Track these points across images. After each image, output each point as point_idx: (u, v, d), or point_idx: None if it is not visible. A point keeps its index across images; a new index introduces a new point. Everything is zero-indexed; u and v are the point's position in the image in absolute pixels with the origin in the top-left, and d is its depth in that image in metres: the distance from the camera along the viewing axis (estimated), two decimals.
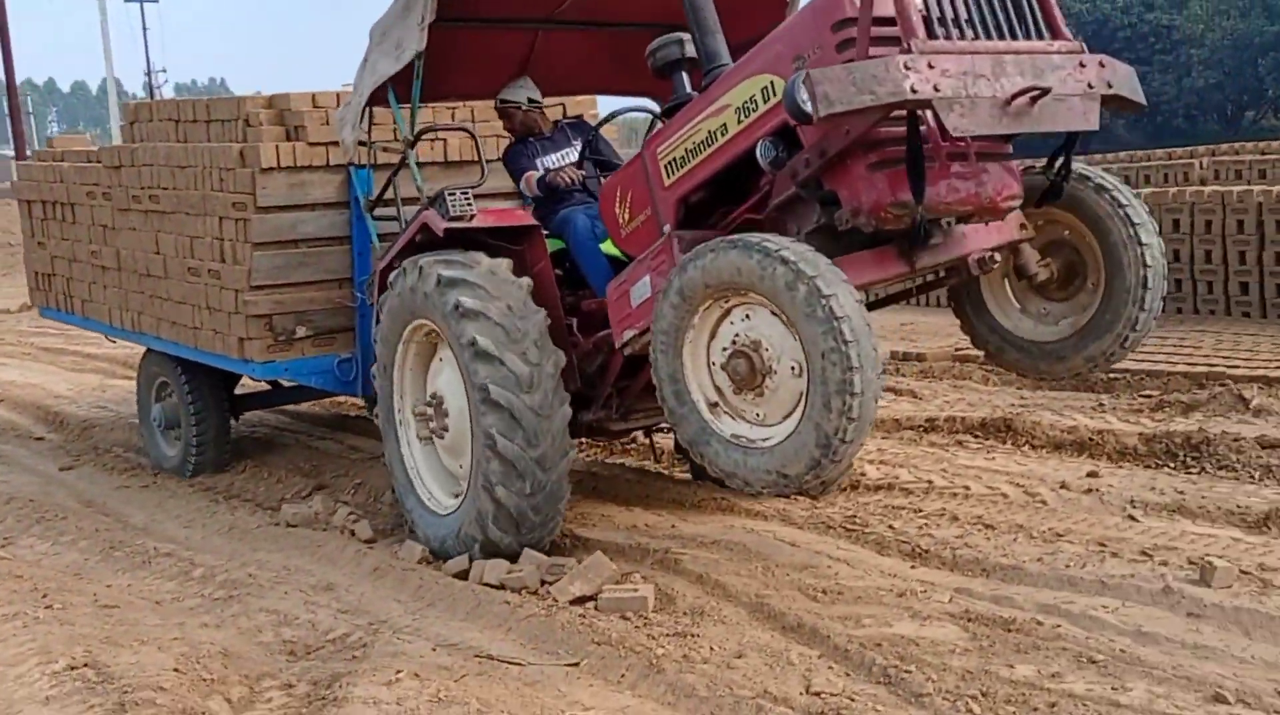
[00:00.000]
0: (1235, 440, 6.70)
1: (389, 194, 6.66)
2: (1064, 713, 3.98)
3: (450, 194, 5.91)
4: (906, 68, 4.12)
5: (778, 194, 4.86)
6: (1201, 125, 56.37)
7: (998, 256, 4.96)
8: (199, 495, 7.72)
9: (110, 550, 6.54)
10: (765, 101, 4.72)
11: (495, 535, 5.67)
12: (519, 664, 4.73)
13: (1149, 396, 8.06)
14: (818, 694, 4.25)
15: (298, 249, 7.08)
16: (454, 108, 7.51)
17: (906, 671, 4.35)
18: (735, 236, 4.49)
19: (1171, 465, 6.67)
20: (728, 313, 4.53)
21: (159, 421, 8.33)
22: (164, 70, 79.66)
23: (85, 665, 4.76)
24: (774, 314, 4.31)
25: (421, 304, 5.84)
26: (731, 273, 4.36)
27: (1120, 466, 6.78)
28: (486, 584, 5.55)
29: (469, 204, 5.89)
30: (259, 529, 6.84)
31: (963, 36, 4.40)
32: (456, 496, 5.99)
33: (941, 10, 4.38)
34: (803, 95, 4.18)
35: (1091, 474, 6.60)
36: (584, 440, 7.54)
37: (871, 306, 5.58)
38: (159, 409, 8.32)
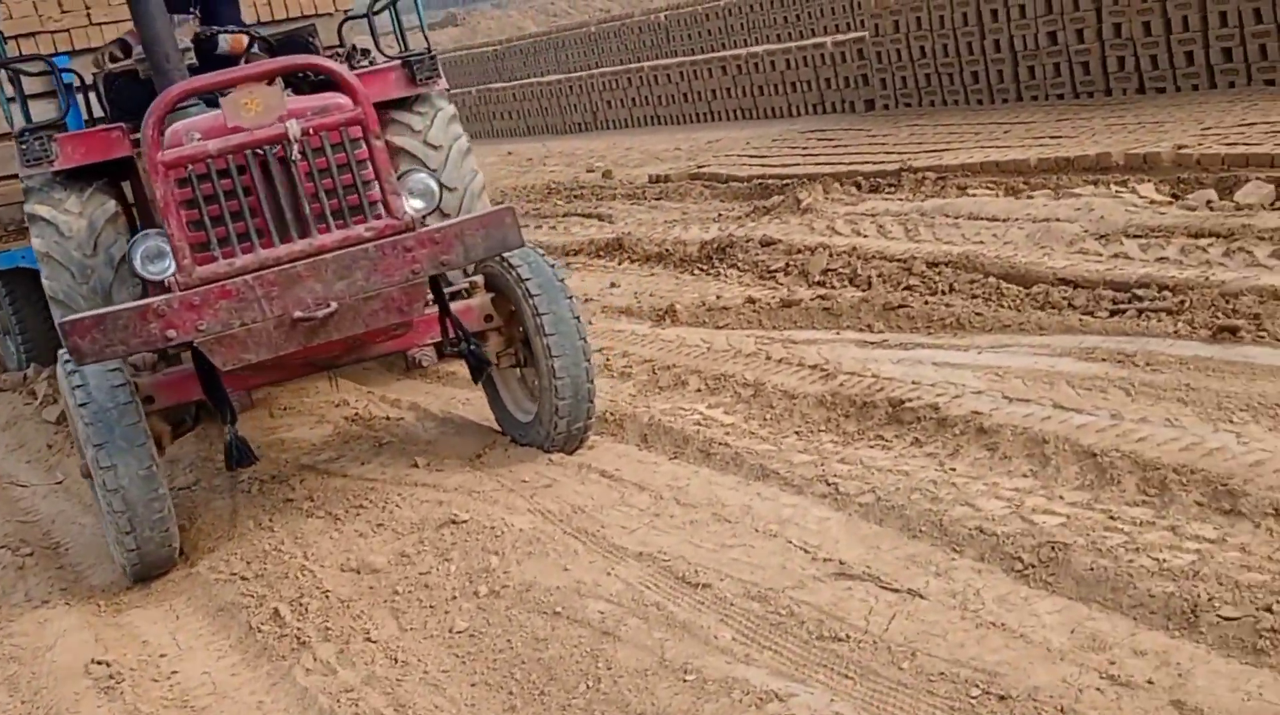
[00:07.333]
0: (747, 241, 7.69)
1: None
2: None
3: (23, 141, 5.65)
4: (159, 315, 4.00)
5: None
6: None
7: (428, 352, 5.23)
8: None
9: None
10: None
11: None
12: None
13: (751, 202, 9.06)
14: None
15: None
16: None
17: None
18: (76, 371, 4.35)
19: (702, 267, 7.73)
20: None
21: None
22: None
23: None
24: None
25: None
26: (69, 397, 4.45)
27: (647, 269, 8.10)
28: None
29: (45, 148, 5.60)
30: None
31: (251, 249, 4.18)
32: None
33: (226, 226, 4.17)
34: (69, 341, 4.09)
35: (614, 284, 7.82)
36: None
37: None
38: None
